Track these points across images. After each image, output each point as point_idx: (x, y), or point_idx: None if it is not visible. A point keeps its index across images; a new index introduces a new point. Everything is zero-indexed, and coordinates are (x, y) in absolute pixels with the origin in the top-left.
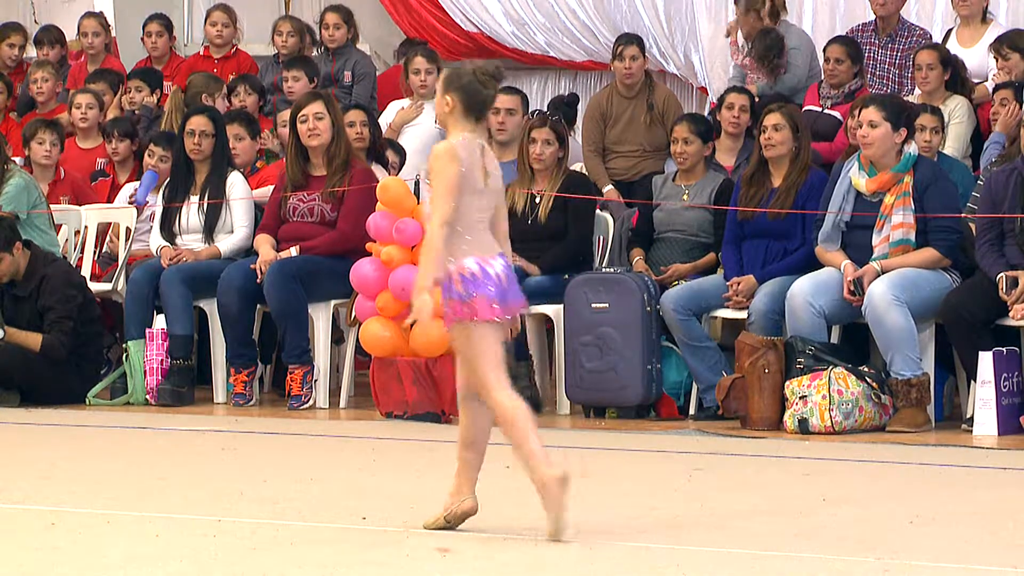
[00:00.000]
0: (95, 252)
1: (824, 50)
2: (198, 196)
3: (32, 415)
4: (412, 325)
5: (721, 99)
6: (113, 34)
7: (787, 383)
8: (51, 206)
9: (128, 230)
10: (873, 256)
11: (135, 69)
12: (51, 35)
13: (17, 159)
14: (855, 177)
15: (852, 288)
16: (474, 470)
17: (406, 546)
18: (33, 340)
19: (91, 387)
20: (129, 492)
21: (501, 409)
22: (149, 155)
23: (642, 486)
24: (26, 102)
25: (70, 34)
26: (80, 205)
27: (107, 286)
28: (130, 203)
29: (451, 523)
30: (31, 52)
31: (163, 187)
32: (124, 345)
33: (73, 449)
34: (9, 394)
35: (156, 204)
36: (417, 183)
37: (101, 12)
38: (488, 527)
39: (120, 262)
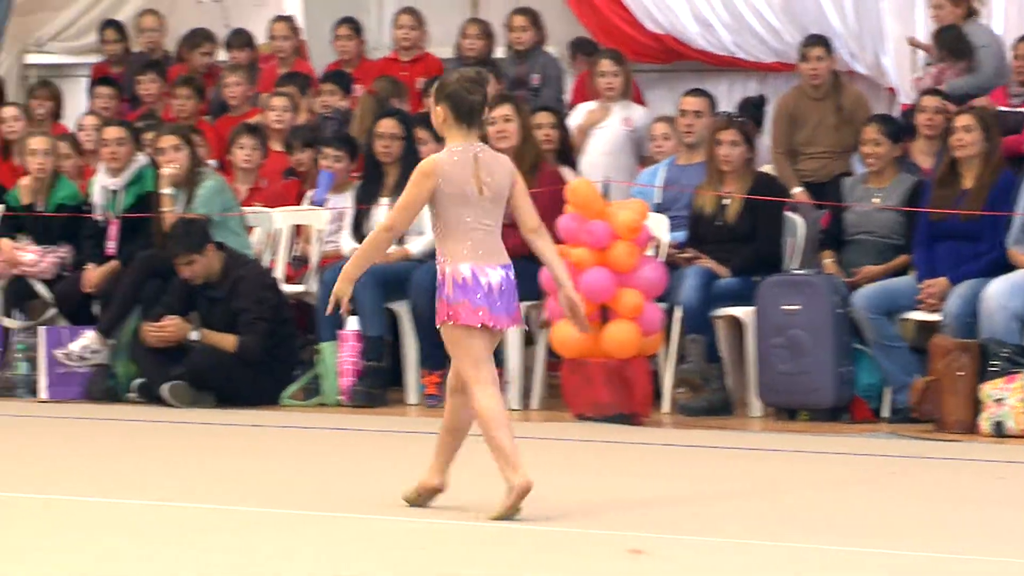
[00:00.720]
0: (288, 254)
1: (1014, 48)
2: (388, 198)
3: (227, 416)
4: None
5: (916, 102)
6: (303, 37)
7: (981, 386)
8: (244, 208)
9: (320, 232)
10: None
11: (327, 72)
12: (242, 39)
13: (212, 162)
14: None
15: None
16: (450, 453)
17: (595, 548)
18: (228, 341)
19: (284, 388)
20: (320, 492)
21: (479, 408)
22: (323, 157)
23: (835, 490)
24: (219, 106)
25: (260, 38)
26: (273, 207)
27: (300, 288)
28: (311, 202)
29: (421, 498)
30: (221, 56)
31: (349, 189)
32: (317, 347)
33: (266, 449)
34: (205, 395)
35: (344, 206)
36: (606, 185)
37: (291, 16)
38: (686, 528)
39: (312, 264)
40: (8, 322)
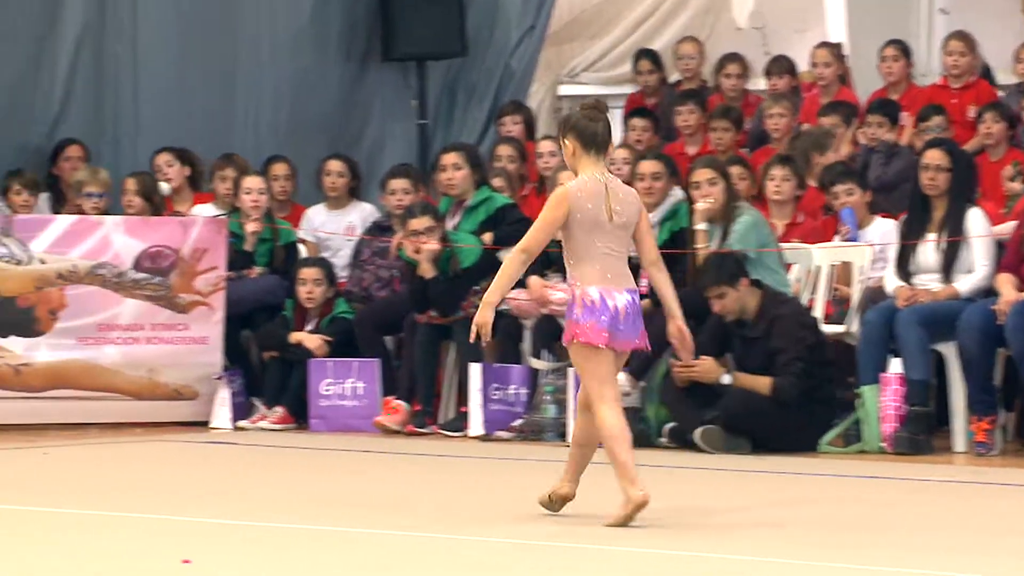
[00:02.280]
0: (828, 292)
1: None
2: (935, 233)
3: (761, 462)
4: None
5: None
6: (848, 64)
7: None
8: (781, 245)
9: (861, 269)
10: None
11: (872, 102)
12: (781, 66)
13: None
14: None
15: None
16: (581, 463)
17: None
18: (762, 384)
19: (823, 433)
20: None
21: (602, 424)
22: (831, 196)
23: None
24: (757, 136)
25: (802, 65)
26: (811, 243)
27: (840, 328)
28: (844, 239)
29: (553, 504)
30: (753, 84)
31: (870, 223)
32: (858, 390)
33: (804, 495)
34: (740, 440)
35: (881, 242)
36: None
37: (836, 42)
38: None
39: (852, 303)
40: (536, 363)
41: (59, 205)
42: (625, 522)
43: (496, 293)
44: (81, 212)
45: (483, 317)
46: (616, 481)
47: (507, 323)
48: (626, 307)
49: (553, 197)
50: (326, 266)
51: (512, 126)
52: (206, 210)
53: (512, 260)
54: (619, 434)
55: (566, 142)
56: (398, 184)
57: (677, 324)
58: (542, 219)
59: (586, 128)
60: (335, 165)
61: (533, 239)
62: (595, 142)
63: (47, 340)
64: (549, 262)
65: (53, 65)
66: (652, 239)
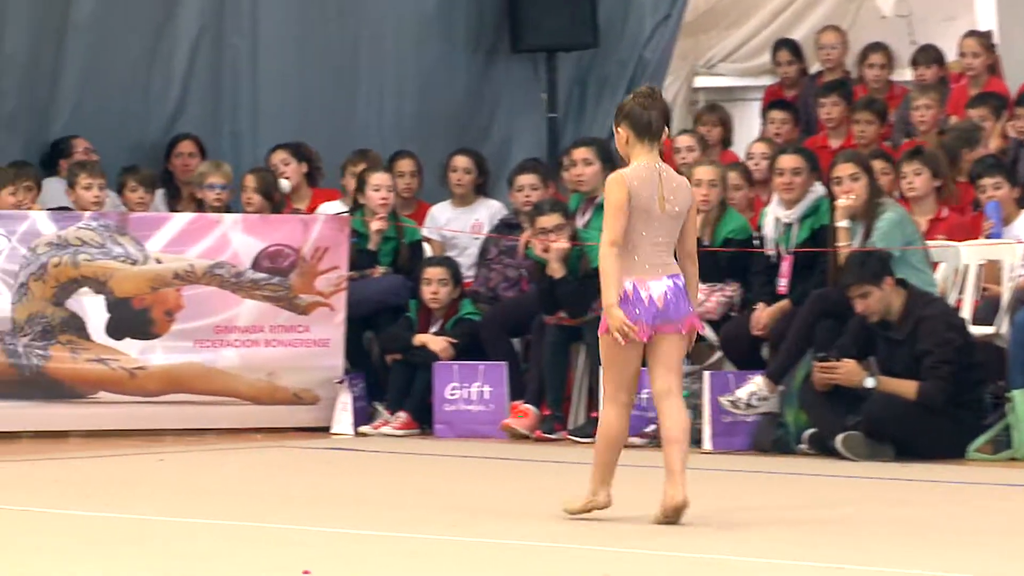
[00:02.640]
0: (977, 292)
1: None
2: None
3: (905, 470)
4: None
5: None
6: (997, 54)
7: None
8: (927, 243)
9: (1012, 267)
10: None
11: (1022, 92)
12: (928, 56)
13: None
14: None
15: None
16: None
17: None
18: (907, 388)
19: (971, 440)
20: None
21: (602, 422)
22: (979, 188)
23: None
24: (903, 129)
25: (950, 55)
26: (957, 240)
27: (989, 329)
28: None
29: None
30: (898, 74)
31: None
32: (1008, 394)
33: (950, 504)
34: (883, 447)
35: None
36: None
37: (988, 31)
38: None
39: (1003, 303)
40: None
41: (174, 203)
42: (576, 514)
43: (612, 293)
44: (201, 206)
45: (617, 320)
46: (589, 476)
47: None
48: (665, 293)
49: (609, 182)
50: (452, 265)
51: None
52: (333, 207)
53: (607, 256)
54: (614, 438)
55: (619, 130)
56: (526, 180)
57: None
58: (610, 206)
59: (639, 116)
60: (461, 161)
61: (613, 229)
62: (648, 130)
63: (163, 343)
64: None
65: (170, 59)
66: (695, 232)
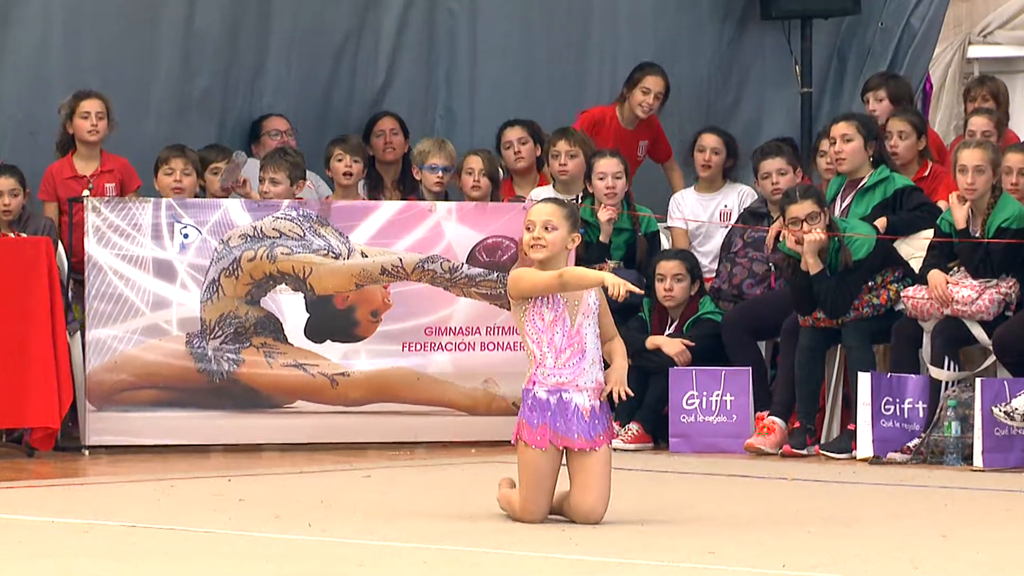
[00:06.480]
0: None
1: None
2: None
3: None
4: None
5: None
6: None
7: None
8: None
9: None
10: None
11: None
12: None
13: None
14: None
15: None
16: None
17: None
18: None
19: None
20: None
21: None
22: None
23: None
24: None
25: None
26: None
27: None
28: None
29: None
30: None
31: None
32: None
33: None
34: None
35: None
36: None
37: None
38: None
39: None
40: (938, 373)
41: (375, 191)
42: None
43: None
44: (414, 189)
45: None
46: None
47: (903, 326)
48: None
49: None
50: (689, 259)
51: (875, 103)
52: (543, 193)
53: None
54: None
55: None
56: (771, 165)
57: None
58: None
59: None
60: (710, 140)
61: None
62: None
63: (367, 346)
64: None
65: (377, 27)
66: None
